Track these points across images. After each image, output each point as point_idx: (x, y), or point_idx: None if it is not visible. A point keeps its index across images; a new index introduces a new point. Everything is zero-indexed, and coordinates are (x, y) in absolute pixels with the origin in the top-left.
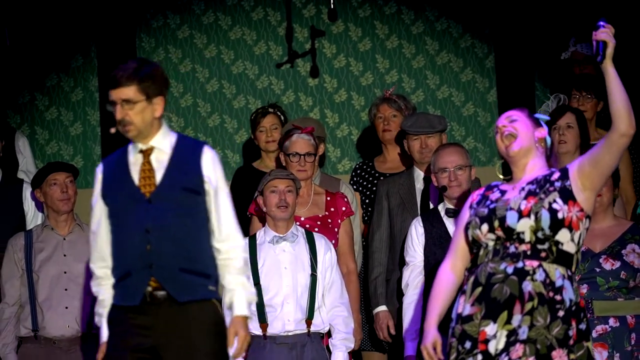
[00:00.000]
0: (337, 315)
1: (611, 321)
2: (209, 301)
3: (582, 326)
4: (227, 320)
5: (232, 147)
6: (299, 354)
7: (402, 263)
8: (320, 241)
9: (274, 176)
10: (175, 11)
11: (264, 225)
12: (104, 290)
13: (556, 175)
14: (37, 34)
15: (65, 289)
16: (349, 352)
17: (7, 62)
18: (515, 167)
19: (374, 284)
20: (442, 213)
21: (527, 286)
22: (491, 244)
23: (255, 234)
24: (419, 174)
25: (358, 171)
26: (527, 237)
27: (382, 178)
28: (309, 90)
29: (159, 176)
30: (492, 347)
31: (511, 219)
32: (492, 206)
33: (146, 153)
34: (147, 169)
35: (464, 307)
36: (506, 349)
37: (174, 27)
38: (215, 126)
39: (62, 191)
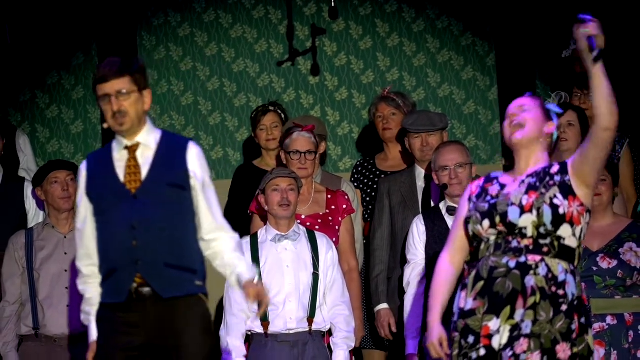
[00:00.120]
0: (338, 314)
1: (609, 319)
2: (195, 296)
3: (583, 320)
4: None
5: (233, 146)
6: (300, 352)
7: (404, 261)
8: (322, 240)
9: (276, 174)
10: (176, 9)
11: (265, 224)
12: (91, 289)
13: (555, 168)
14: (38, 31)
15: (66, 287)
16: (350, 351)
17: (7, 60)
18: (517, 157)
19: (375, 281)
20: (444, 211)
21: (530, 281)
22: (493, 238)
23: (256, 232)
24: (420, 172)
25: (359, 169)
26: (530, 232)
27: (383, 176)
28: (310, 89)
29: (144, 172)
30: (495, 342)
31: (513, 214)
32: (492, 201)
33: (132, 149)
34: (133, 165)
35: (466, 301)
36: (510, 343)
37: (175, 25)
38: (216, 124)
39: (63, 189)
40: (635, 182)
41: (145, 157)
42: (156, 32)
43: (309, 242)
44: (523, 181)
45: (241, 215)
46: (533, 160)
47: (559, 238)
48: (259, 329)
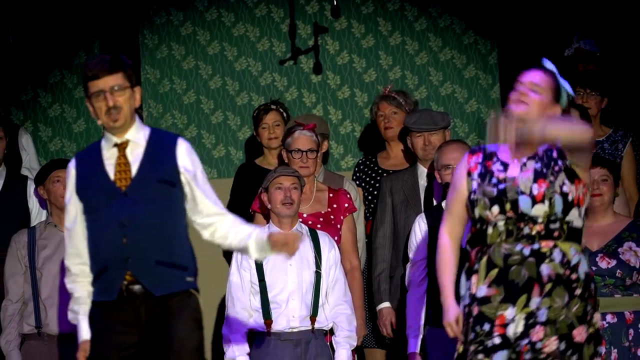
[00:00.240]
0: (340, 313)
1: (609, 317)
2: (186, 292)
3: (594, 302)
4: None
5: (235, 144)
6: (303, 350)
7: (406, 260)
8: (324, 239)
9: (280, 173)
10: (178, 8)
11: (267, 223)
12: (79, 287)
13: (555, 152)
14: (40, 31)
15: None
16: (352, 350)
17: (10, 59)
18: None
19: (377, 280)
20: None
21: (546, 269)
22: (501, 223)
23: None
24: (422, 171)
25: (361, 167)
26: (540, 219)
27: (385, 175)
28: (312, 87)
29: (134, 169)
30: (510, 331)
31: (525, 204)
32: (501, 187)
33: (121, 147)
34: (123, 162)
35: (479, 288)
36: (526, 332)
37: (177, 23)
38: (219, 123)
39: (65, 188)
40: (638, 181)
41: (135, 155)
42: (158, 30)
43: (312, 241)
44: (525, 164)
45: (243, 214)
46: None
47: (568, 222)
48: (261, 327)
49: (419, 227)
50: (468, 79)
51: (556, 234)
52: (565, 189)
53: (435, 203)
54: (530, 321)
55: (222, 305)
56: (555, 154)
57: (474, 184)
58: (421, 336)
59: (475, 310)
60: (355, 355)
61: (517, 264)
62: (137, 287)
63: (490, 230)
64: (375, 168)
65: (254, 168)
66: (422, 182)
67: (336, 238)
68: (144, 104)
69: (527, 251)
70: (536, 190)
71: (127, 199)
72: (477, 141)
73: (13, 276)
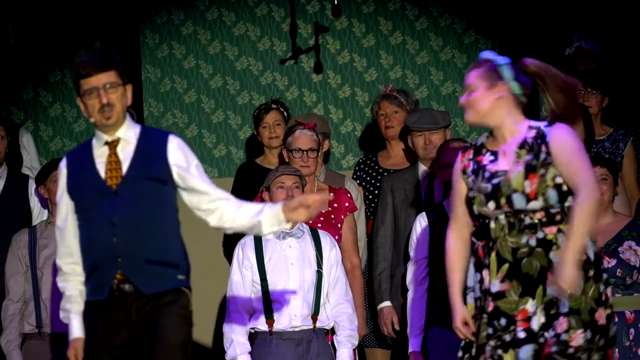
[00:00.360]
0: (341, 312)
1: None
2: (177, 290)
3: (605, 276)
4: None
5: (236, 143)
6: (305, 350)
7: (407, 259)
8: (326, 238)
9: (282, 172)
10: (179, 7)
11: None
12: (71, 286)
13: (544, 148)
14: (41, 30)
15: None
16: (353, 349)
17: (11, 59)
18: (493, 130)
19: (378, 279)
20: (447, 209)
21: (556, 257)
22: (502, 217)
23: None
24: (423, 170)
25: (362, 166)
26: (538, 209)
27: (385, 174)
28: (313, 86)
29: (125, 167)
30: (534, 324)
31: (519, 202)
32: (495, 182)
33: (112, 145)
34: (114, 160)
35: (492, 283)
36: (549, 323)
37: (178, 23)
38: (219, 122)
39: None
40: (639, 180)
41: (126, 152)
42: (159, 30)
43: (313, 240)
44: (517, 154)
45: None
46: (508, 124)
47: (569, 205)
48: (263, 326)
49: (420, 226)
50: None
51: (558, 217)
52: (558, 180)
53: (436, 202)
54: (552, 311)
55: (222, 304)
56: (544, 148)
57: (470, 181)
58: (422, 335)
59: (491, 305)
60: (357, 355)
61: (527, 256)
62: (127, 286)
63: (492, 224)
64: (376, 167)
65: (255, 167)
66: (423, 181)
67: (337, 237)
68: (145, 103)
69: (532, 242)
70: (528, 187)
71: (117, 197)
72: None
73: (14, 276)
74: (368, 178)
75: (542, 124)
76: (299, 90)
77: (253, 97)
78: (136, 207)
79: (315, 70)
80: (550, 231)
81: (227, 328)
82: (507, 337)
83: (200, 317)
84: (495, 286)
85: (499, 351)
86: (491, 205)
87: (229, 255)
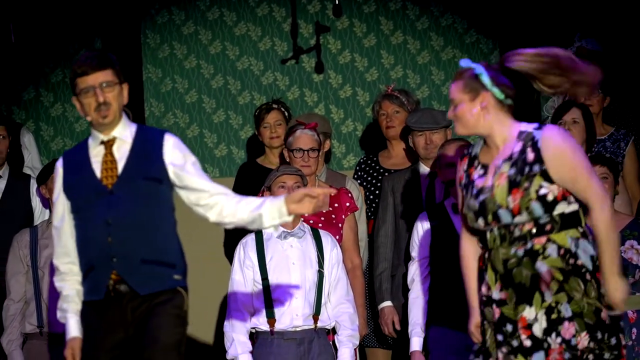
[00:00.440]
0: (343, 312)
1: None
2: (173, 290)
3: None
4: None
5: (237, 143)
6: (306, 349)
7: (408, 258)
8: (327, 238)
9: (283, 172)
10: (180, 7)
11: None
12: (68, 286)
13: (531, 156)
14: (42, 30)
15: None
16: (354, 349)
17: (12, 58)
18: (486, 139)
19: (379, 279)
20: (449, 208)
21: (542, 267)
22: (495, 229)
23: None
24: (424, 170)
25: (362, 166)
26: (526, 222)
27: (386, 174)
28: (314, 86)
29: (120, 167)
30: (537, 330)
31: (505, 217)
32: (481, 198)
33: (108, 144)
34: (110, 160)
35: (493, 291)
36: (553, 327)
37: (179, 23)
38: (220, 122)
39: None
40: None
41: (122, 152)
42: (160, 30)
43: (314, 240)
44: (500, 168)
45: None
46: (497, 133)
47: (559, 214)
48: (264, 326)
49: (421, 226)
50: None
51: (548, 227)
52: (542, 191)
53: (437, 202)
54: (553, 316)
55: (223, 304)
56: (530, 157)
57: (465, 196)
58: (423, 335)
59: (497, 312)
60: (358, 355)
61: (516, 266)
62: (123, 287)
63: (488, 235)
64: (377, 167)
65: (256, 167)
66: (424, 180)
67: (337, 237)
68: (146, 103)
69: (521, 252)
70: (512, 203)
71: (113, 197)
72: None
73: (15, 275)
74: (369, 178)
75: (532, 127)
76: (300, 90)
77: (254, 97)
78: (132, 207)
79: (316, 70)
80: (539, 241)
81: (228, 327)
82: (515, 343)
83: (200, 317)
84: (496, 294)
85: (512, 357)
86: (480, 222)
87: (229, 255)
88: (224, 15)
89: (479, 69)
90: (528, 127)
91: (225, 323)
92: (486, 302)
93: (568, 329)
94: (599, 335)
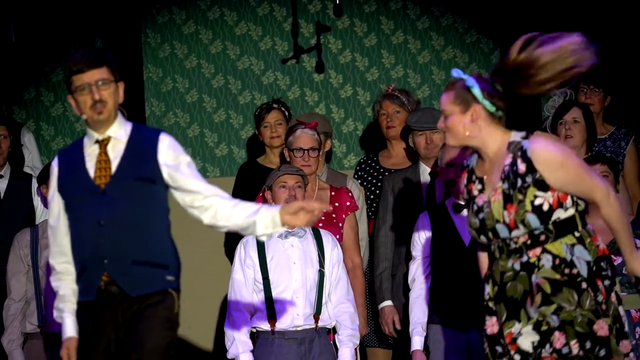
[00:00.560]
0: (343, 312)
1: None
2: (164, 292)
3: (607, 282)
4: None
5: (237, 143)
6: (307, 349)
7: (408, 258)
8: (327, 237)
9: (284, 172)
10: (180, 7)
11: None
12: (64, 285)
13: (522, 167)
14: (43, 29)
15: None
16: (355, 348)
17: (12, 58)
18: (478, 151)
19: (379, 278)
20: (449, 208)
21: (536, 279)
22: (495, 242)
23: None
24: (424, 169)
25: (362, 166)
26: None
27: (386, 173)
28: (315, 86)
29: (114, 166)
30: (525, 344)
31: (503, 232)
32: (480, 216)
33: (103, 143)
34: (104, 159)
35: (490, 302)
36: (546, 340)
37: (180, 22)
38: (221, 122)
39: None
40: None
41: (117, 151)
42: (161, 29)
43: (315, 239)
44: (495, 184)
45: None
46: (490, 145)
47: (554, 222)
48: (265, 325)
49: (422, 226)
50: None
51: (542, 238)
52: (538, 201)
53: (437, 201)
54: (543, 328)
55: (224, 303)
56: (522, 169)
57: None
58: (424, 334)
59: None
60: (358, 354)
61: (512, 280)
62: (114, 288)
63: (492, 247)
64: (377, 167)
65: (256, 167)
66: (424, 180)
67: (338, 236)
68: (147, 103)
69: (517, 265)
70: (507, 218)
71: (105, 197)
72: None
73: (15, 275)
74: (369, 178)
75: (520, 136)
76: (300, 89)
77: (255, 97)
78: (124, 207)
79: (316, 70)
80: (534, 253)
81: (228, 327)
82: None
83: (201, 316)
84: (494, 306)
85: None
86: (483, 238)
87: (230, 255)
88: (224, 15)
89: (471, 81)
90: (516, 136)
91: (226, 322)
92: (485, 308)
93: (559, 338)
94: (588, 345)
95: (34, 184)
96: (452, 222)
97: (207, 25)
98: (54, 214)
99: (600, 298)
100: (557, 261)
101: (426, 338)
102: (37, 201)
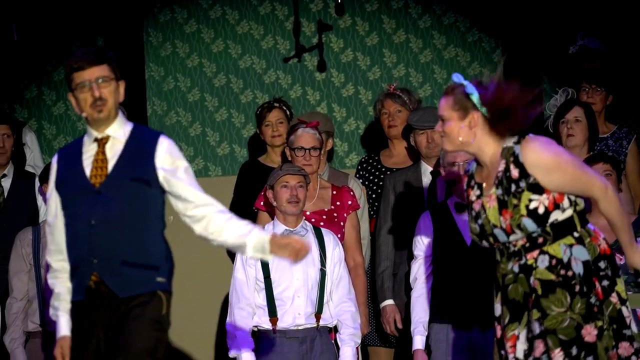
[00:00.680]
0: (345, 311)
1: None
2: (153, 293)
3: (605, 282)
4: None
5: (239, 142)
6: (308, 348)
7: (410, 257)
8: (329, 237)
9: (286, 171)
10: (182, 5)
11: (271, 220)
12: (60, 283)
13: (515, 172)
14: (45, 28)
15: None
16: (356, 347)
17: (14, 57)
18: (476, 157)
19: (380, 277)
20: (451, 207)
21: (532, 281)
22: (496, 245)
23: (263, 227)
24: (426, 168)
25: (364, 165)
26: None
27: (388, 172)
28: (316, 85)
29: (110, 166)
30: (519, 352)
31: (501, 236)
32: (479, 222)
33: (101, 142)
34: (101, 159)
35: (496, 307)
36: (530, 347)
37: (181, 21)
38: (223, 120)
39: None
40: None
41: (114, 151)
42: (162, 28)
43: (316, 238)
44: (490, 190)
45: (247, 212)
46: (485, 150)
47: (551, 224)
48: (267, 324)
49: (423, 225)
50: (472, 76)
51: (540, 240)
52: (533, 205)
53: (439, 200)
54: (530, 335)
55: (225, 302)
56: (515, 174)
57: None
58: (426, 333)
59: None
60: (360, 353)
61: (512, 282)
62: (104, 288)
63: (496, 251)
64: (379, 166)
65: (258, 166)
66: (426, 179)
67: (339, 236)
68: (148, 102)
69: (516, 268)
70: (504, 223)
71: (99, 196)
72: None
73: (17, 274)
74: (371, 177)
75: (512, 141)
76: (302, 88)
77: (256, 96)
78: (118, 207)
79: (318, 69)
80: (532, 256)
81: (230, 326)
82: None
83: (202, 316)
84: (497, 310)
85: None
86: (485, 243)
87: (232, 253)
88: (226, 14)
89: (470, 88)
90: (509, 141)
91: (228, 321)
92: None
93: (538, 346)
94: (574, 352)
95: (37, 183)
96: (454, 222)
97: (209, 24)
98: (51, 211)
99: (593, 299)
100: (554, 262)
101: (428, 337)
102: (40, 200)
